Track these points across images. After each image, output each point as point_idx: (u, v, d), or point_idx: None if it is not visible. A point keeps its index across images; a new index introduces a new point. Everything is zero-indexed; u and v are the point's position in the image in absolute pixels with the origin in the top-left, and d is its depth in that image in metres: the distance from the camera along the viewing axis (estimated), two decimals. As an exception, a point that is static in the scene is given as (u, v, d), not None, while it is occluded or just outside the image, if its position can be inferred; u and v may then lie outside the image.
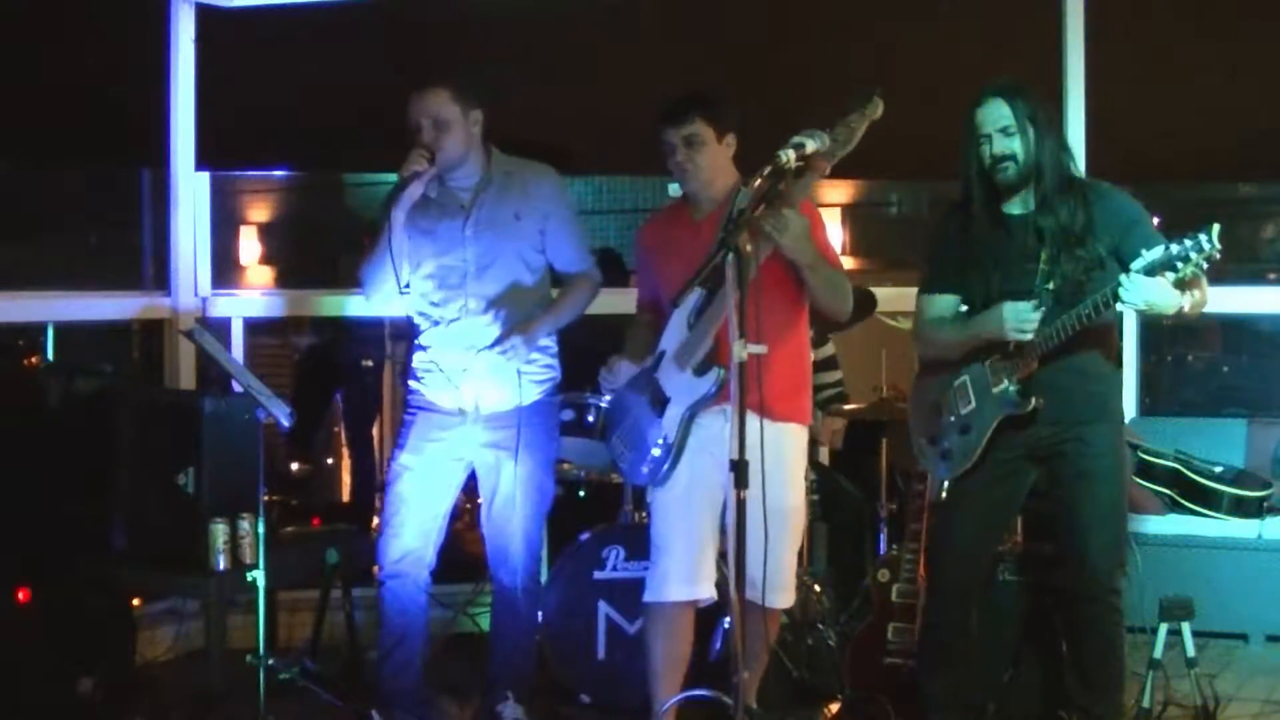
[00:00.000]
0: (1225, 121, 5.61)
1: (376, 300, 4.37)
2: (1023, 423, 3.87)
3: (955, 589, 4.08)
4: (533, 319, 4.32)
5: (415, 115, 4.20)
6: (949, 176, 4.04)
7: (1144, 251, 3.55)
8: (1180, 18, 5.60)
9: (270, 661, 4.47)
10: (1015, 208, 3.90)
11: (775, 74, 5.67)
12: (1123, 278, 3.56)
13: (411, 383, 4.44)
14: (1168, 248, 3.50)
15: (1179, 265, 3.48)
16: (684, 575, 4.06)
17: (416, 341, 4.43)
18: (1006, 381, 3.86)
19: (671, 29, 5.82)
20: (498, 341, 4.25)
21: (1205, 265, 3.48)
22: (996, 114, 3.81)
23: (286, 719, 4.53)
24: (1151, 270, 3.52)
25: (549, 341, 4.45)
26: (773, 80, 5.66)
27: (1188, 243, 3.47)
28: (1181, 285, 3.56)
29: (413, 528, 4.35)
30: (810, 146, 3.62)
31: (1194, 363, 11.02)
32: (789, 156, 3.59)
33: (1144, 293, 3.53)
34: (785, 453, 3.98)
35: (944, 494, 4.18)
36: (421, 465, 4.36)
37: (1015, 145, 3.81)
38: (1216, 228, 3.44)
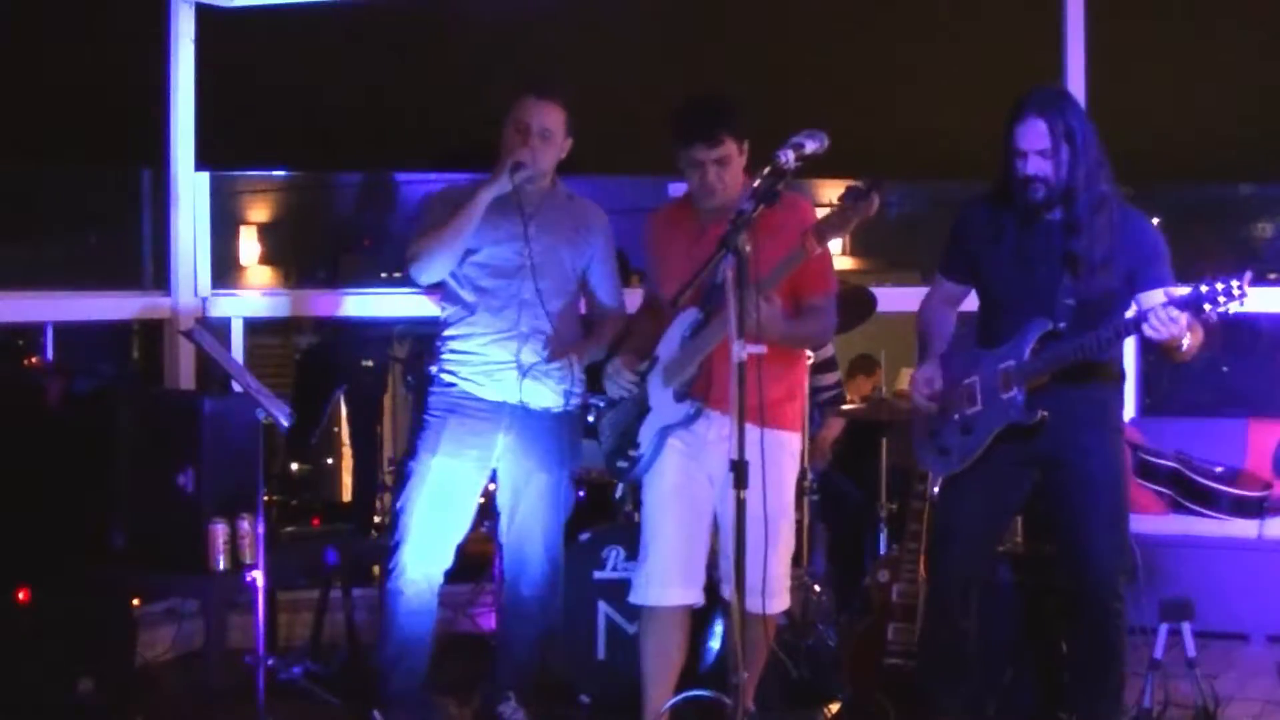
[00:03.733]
0: (1225, 121, 5.61)
1: (426, 279, 4.29)
2: (1026, 432, 3.86)
3: (953, 590, 4.07)
4: (582, 344, 4.36)
5: (525, 118, 4.20)
6: (949, 176, 4.04)
7: (1166, 288, 3.60)
8: (1180, 18, 5.60)
9: (270, 661, 4.47)
10: (1045, 214, 3.86)
11: (776, 73, 5.67)
12: (1154, 310, 3.54)
13: (445, 377, 4.35)
14: (1198, 288, 3.49)
15: (1205, 307, 3.48)
16: (669, 579, 4.06)
17: (448, 334, 4.35)
18: (1016, 389, 3.85)
19: (672, 29, 5.82)
20: (555, 352, 4.26)
21: (1229, 311, 3.48)
22: (1034, 133, 3.75)
23: (286, 719, 4.53)
24: (1181, 307, 3.52)
25: None
26: (773, 80, 5.66)
27: (1219, 286, 3.46)
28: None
29: (438, 535, 4.30)
30: (810, 147, 3.61)
31: (1194, 363, 11.01)
32: (788, 157, 3.59)
33: (1169, 328, 3.52)
34: (778, 459, 3.96)
35: (938, 490, 4.18)
36: (456, 471, 4.29)
37: (1049, 168, 3.76)
38: (1249, 274, 3.45)
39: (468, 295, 4.32)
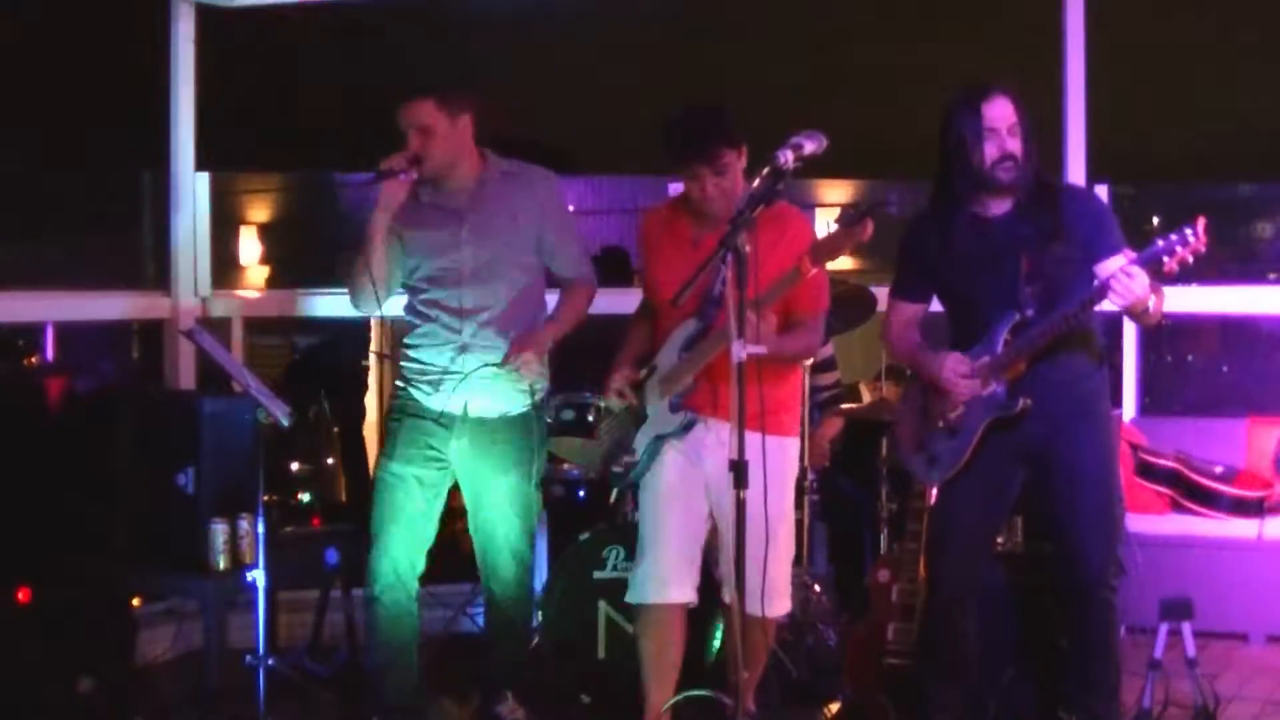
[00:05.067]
0: (1225, 121, 5.62)
1: (359, 310, 4.35)
2: (1011, 423, 3.87)
3: (953, 591, 4.09)
4: (538, 331, 4.30)
5: (402, 124, 4.20)
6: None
7: (1124, 250, 3.64)
8: (1180, 18, 5.61)
9: (270, 661, 4.47)
10: (992, 209, 3.89)
11: (776, 74, 5.67)
12: (1115, 275, 3.57)
13: (399, 385, 4.39)
14: (1154, 244, 3.54)
15: (1165, 259, 3.52)
16: (663, 578, 4.07)
17: (405, 342, 4.37)
18: (995, 383, 3.87)
19: (671, 28, 5.82)
20: (507, 355, 4.21)
21: (1191, 259, 3.52)
22: (1005, 111, 3.80)
23: (286, 719, 4.53)
24: (1143, 264, 3.56)
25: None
26: (773, 80, 5.66)
27: (1174, 237, 3.52)
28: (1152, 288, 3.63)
29: (405, 541, 4.30)
30: (809, 147, 3.61)
31: (1194, 363, 11.02)
32: (787, 157, 3.59)
33: (1133, 288, 3.56)
34: (779, 463, 3.96)
35: (933, 497, 4.20)
36: (413, 476, 4.30)
37: (1018, 146, 3.80)
38: (1201, 221, 3.50)
39: (420, 306, 4.33)
